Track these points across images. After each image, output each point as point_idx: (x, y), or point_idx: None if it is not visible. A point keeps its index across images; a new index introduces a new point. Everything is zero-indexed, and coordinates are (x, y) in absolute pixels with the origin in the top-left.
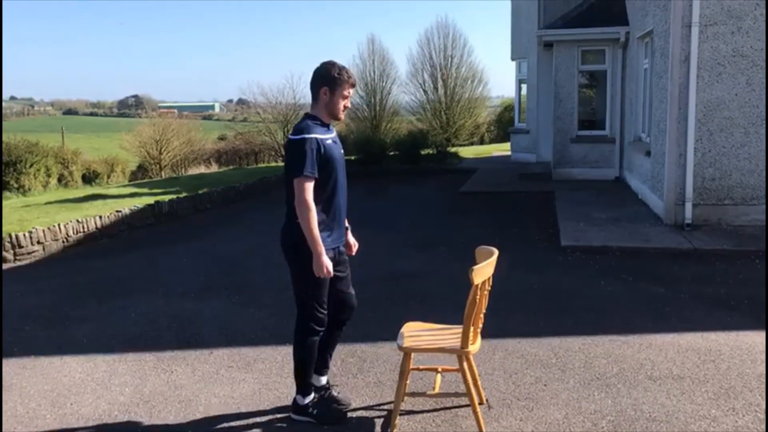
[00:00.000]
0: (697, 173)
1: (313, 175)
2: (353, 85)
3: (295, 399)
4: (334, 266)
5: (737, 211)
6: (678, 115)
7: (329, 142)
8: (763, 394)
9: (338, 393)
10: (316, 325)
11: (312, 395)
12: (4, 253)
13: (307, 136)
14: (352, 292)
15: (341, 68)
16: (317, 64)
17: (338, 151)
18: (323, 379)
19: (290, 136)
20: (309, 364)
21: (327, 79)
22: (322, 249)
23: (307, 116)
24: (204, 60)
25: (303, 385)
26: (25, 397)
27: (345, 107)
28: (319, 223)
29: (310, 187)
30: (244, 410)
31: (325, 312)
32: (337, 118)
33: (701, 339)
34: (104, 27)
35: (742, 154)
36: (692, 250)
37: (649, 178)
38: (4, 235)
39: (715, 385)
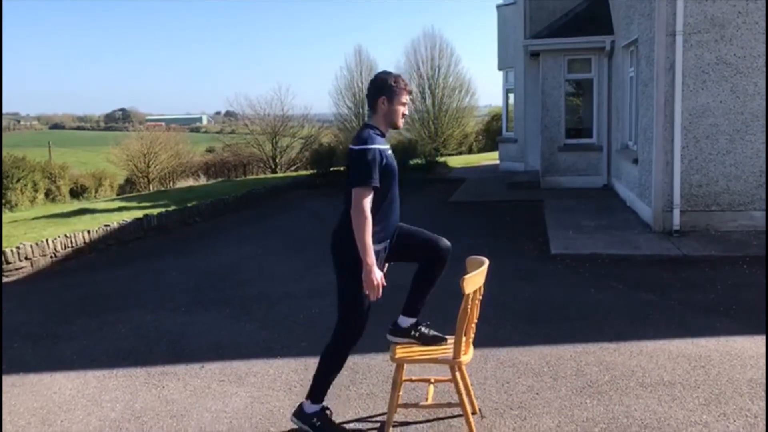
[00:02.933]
0: (684, 180)
1: (375, 184)
2: (410, 92)
3: (302, 404)
4: (383, 260)
5: (724, 217)
6: (664, 122)
7: (389, 152)
8: (754, 399)
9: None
10: (353, 334)
11: (320, 407)
12: None
13: (371, 146)
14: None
15: (396, 77)
16: (375, 74)
17: (395, 162)
18: (411, 320)
19: (353, 146)
20: (333, 373)
21: (384, 89)
22: (374, 260)
23: (367, 126)
24: (191, 72)
25: (317, 393)
26: (15, 415)
27: (403, 115)
28: (374, 233)
29: (369, 197)
30: (236, 424)
31: (364, 324)
32: (396, 127)
33: (691, 345)
34: (90, 40)
35: (728, 161)
36: (681, 257)
37: (636, 185)
38: None
39: (706, 391)
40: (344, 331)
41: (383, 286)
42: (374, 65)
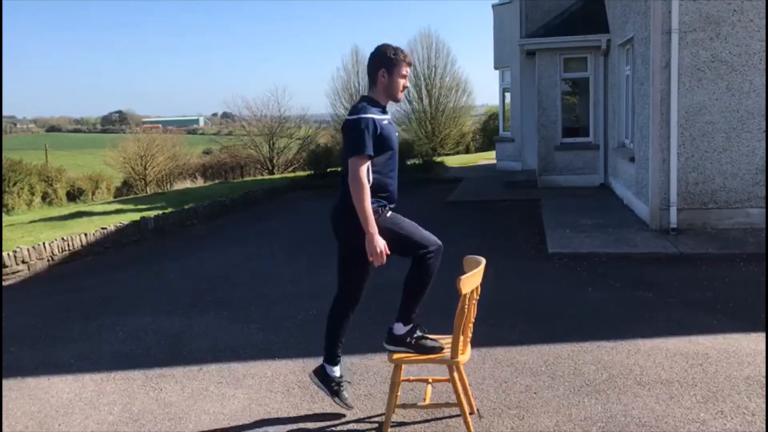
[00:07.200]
0: (680, 178)
1: (368, 153)
2: (410, 64)
3: (391, 328)
4: None
5: (721, 215)
6: (660, 120)
7: (385, 122)
8: (751, 397)
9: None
10: (432, 245)
11: (411, 326)
12: None
13: (363, 116)
14: None
15: (396, 49)
16: (373, 49)
17: (394, 132)
18: (337, 370)
19: (347, 117)
20: (422, 293)
21: (384, 61)
22: (375, 228)
23: (363, 98)
24: (188, 74)
25: (407, 315)
26: (12, 419)
27: (404, 87)
28: (384, 197)
29: (365, 166)
30: (234, 426)
31: (431, 238)
32: (396, 100)
33: (688, 343)
34: (86, 42)
35: (725, 158)
36: (678, 255)
37: (633, 183)
38: None
39: (703, 389)
40: (419, 256)
41: (387, 255)
42: None
